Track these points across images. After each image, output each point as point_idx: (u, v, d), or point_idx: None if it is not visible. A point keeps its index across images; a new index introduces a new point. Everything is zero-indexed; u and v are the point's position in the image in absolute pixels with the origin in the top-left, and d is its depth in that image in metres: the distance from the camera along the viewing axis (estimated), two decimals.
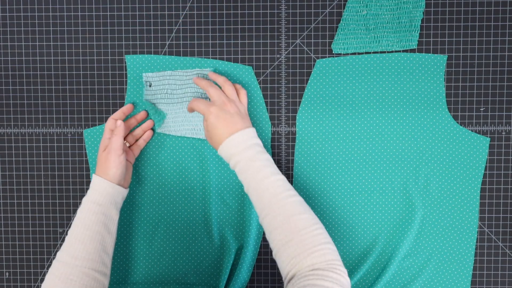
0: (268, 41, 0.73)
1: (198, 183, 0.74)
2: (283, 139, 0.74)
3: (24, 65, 0.74)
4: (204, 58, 0.73)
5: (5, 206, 0.76)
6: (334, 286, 0.52)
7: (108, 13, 0.73)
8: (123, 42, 0.73)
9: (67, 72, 0.74)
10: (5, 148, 0.75)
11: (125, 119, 0.71)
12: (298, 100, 0.73)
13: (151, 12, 0.73)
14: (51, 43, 0.74)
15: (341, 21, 0.72)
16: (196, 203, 0.74)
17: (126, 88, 0.74)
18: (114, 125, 0.68)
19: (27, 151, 0.75)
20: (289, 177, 0.74)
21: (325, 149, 0.73)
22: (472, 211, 0.73)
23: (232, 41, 0.73)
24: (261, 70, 0.73)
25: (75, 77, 0.74)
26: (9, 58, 0.74)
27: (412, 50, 0.72)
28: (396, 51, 0.72)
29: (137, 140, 0.72)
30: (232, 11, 0.73)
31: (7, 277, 0.76)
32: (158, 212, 0.74)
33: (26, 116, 0.75)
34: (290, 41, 0.73)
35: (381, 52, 0.72)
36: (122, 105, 0.74)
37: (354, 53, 0.72)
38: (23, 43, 0.74)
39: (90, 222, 0.62)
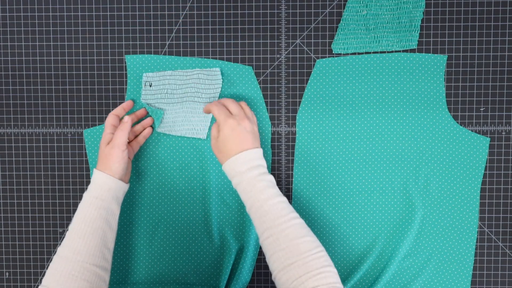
0: (268, 41, 0.73)
1: (198, 183, 0.74)
2: (283, 139, 0.74)
3: (24, 65, 0.74)
4: (204, 58, 0.73)
5: (5, 206, 0.76)
6: None
7: (108, 13, 0.73)
8: (123, 42, 0.73)
9: (67, 72, 0.74)
10: (5, 148, 0.75)
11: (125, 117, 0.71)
12: (298, 100, 0.73)
13: (151, 12, 0.73)
14: (51, 43, 0.74)
15: (341, 21, 0.72)
16: (196, 203, 0.74)
17: (126, 88, 0.74)
18: (115, 120, 0.68)
19: (27, 151, 0.75)
20: (289, 177, 0.74)
21: (325, 149, 0.73)
22: (472, 211, 0.73)
23: (232, 41, 0.73)
24: (261, 70, 0.73)
25: (75, 77, 0.74)
26: (9, 58, 0.74)
27: (412, 50, 0.72)
28: (396, 51, 0.72)
29: (136, 136, 0.72)
30: (232, 11, 0.73)
31: (7, 277, 0.76)
32: (158, 212, 0.74)
33: (26, 116, 0.75)
34: (290, 41, 0.73)
35: (381, 52, 0.72)
36: None
37: (354, 53, 0.72)
38: (23, 43, 0.74)
39: (92, 218, 0.62)
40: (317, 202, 0.74)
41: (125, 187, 0.67)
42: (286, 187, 0.74)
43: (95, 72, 0.74)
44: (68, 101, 0.74)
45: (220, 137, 0.64)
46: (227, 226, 0.74)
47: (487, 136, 0.73)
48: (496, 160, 0.73)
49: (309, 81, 0.73)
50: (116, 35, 0.73)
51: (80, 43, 0.74)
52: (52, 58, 0.74)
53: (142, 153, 0.74)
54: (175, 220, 0.74)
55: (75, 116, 0.74)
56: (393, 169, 0.73)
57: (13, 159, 0.75)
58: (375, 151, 0.73)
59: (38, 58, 0.74)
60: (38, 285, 0.76)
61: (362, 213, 0.73)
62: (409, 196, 0.73)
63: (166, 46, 0.73)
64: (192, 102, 0.72)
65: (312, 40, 0.73)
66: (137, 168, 0.74)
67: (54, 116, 0.75)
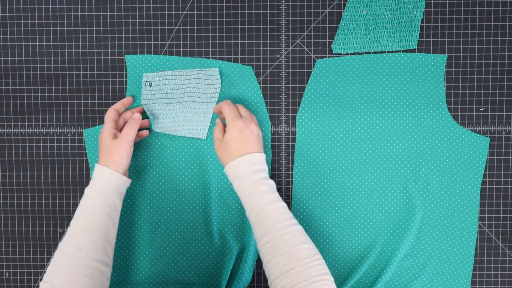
0: (268, 41, 0.73)
1: (198, 183, 0.74)
2: (283, 139, 0.74)
3: (24, 65, 0.74)
4: (204, 58, 0.73)
5: (5, 206, 0.76)
6: None
7: (108, 13, 0.73)
8: (123, 42, 0.73)
9: (67, 72, 0.74)
10: (5, 148, 0.75)
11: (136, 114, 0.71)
12: (298, 100, 0.73)
13: (151, 12, 0.73)
14: (51, 43, 0.74)
15: (341, 21, 0.72)
16: (196, 203, 0.74)
17: (126, 88, 0.74)
18: (116, 115, 0.68)
19: (27, 151, 0.75)
20: (289, 177, 0.74)
21: (325, 149, 0.73)
22: (472, 211, 0.73)
23: (232, 41, 0.73)
24: (261, 70, 0.73)
25: (75, 77, 0.74)
26: (9, 58, 0.74)
27: (412, 50, 0.72)
28: (396, 51, 0.72)
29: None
30: (232, 11, 0.73)
31: (7, 277, 0.76)
32: (158, 212, 0.74)
33: (26, 116, 0.75)
34: (290, 41, 0.73)
35: (381, 52, 0.72)
36: None
37: (354, 53, 0.72)
38: (23, 43, 0.74)
39: (96, 213, 0.62)
40: (317, 202, 0.74)
41: (128, 182, 0.67)
42: (286, 187, 0.74)
43: (95, 72, 0.74)
44: (68, 101, 0.74)
45: (226, 137, 0.65)
46: (227, 226, 0.74)
47: (487, 136, 0.73)
48: (496, 160, 0.73)
49: (309, 81, 0.73)
50: (116, 35, 0.73)
51: (80, 43, 0.74)
52: (52, 58, 0.74)
53: (142, 153, 0.74)
54: (175, 220, 0.74)
55: (75, 116, 0.74)
56: (393, 169, 0.73)
57: (13, 159, 0.75)
58: (375, 151, 0.73)
59: (38, 58, 0.74)
60: (38, 285, 0.76)
61: (362, 213, 0.73)
62: (409, 196, 0.73)
63: (166, 46, 0.73)
64: (192, 102, 0.72)
65: (312, 40, 0.73)
66: (137, 168, 0.74)
67: (54, 116, 0.75)
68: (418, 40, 0.72)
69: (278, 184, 0.74)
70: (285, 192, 0.74)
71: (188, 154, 0.73)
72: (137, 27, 0.73)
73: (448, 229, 0.73)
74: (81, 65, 0.74)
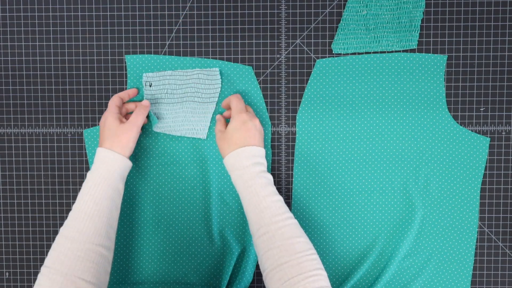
0: (268, 41, 0.73)
1: (198, 183, 0.74)
2: (283, 139, 0.74)
3: (24, 65, 0.74)
4: (204, 58, 0.73)
5: (5, 206, 0.76)
6: None
7: (108, 13, 0.73)
8: (123, 42, 0.73)
9: (67, 72, 0.74)
10: (5, 148, 0.75)
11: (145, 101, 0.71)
12: (298, 100, 0.73)
13: (151, 12, 0.73)
14: (51, 43, 0.74)
15: (341, 21, 0.72)
16: (196, 203, 0.74)
17: (126, 88, 0.74)
18: (120, 102, 0.69)
19: (27, 151, 0.75)
20: (289, 177, 0.74)
21: (325, 149, 0.73)
22: (472, 211, 0.73)
23: (232, 41, 0.73)
24: (261, 70, 0.73)
25: (75, 77, 0.74)
26: (9, 58, 0.74)
27: (412, 50, 0.72)
28: (396, 51, 0.72)
29: None
30: (232, 11, 0.73)
31: (7, 277, 0.76)
32: (159, 212, 0.74)
33: (26, 116, 0.75)
34: (290, 41, 0.73)
35: (381, 52, 0.72)
36: None
37: (354, 53, 0.72)
38: (23, 43, 0.74)
39: (100, 197, 0.62)
40: (317, 202, 0.74)
41: (130, 166, 0.67)
42: (286, 187, 0.74)
43: (95, 72, 0.74)
44: (68, 101, 0.74)
45: (229, 128, 0.65)
46: (227, 226, 0.74)
47: (487, 136, 0.73)
48: (496, 160, 0.73)
49: (309, 81, 0.73)
50: (116, 35, 0.73)
51: (80, 43, 0.74)
52: (52, 58, 0.74)
53: (142, 153, 0.74)
54: (175, 220, 0.74)
55: (75, 116, 0.74)
56: (393, 169, 0.73)
57: (13, 159, 0.75)
58: (375, 151, 0.73)
59: (38, 58, 0.74)
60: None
61: (362, 213, 0.73)
62: (409, 196, 0.73)
63: (166, 46, 0.73)
64: (192, 102, 0.72)
65: (312, 40, 0.73)
66: (137, 168, 0.74)
67: (54, 116, 0.75)
68: (418, 40, 0.72)
69: (278, 184, 0.74)
70: (285, 192, 0.74)
71: (188, 154, 0.73)
72: (137, 27, 0.73)
73: (448, 229, 0.73)
74: (81, 65, 0.74)
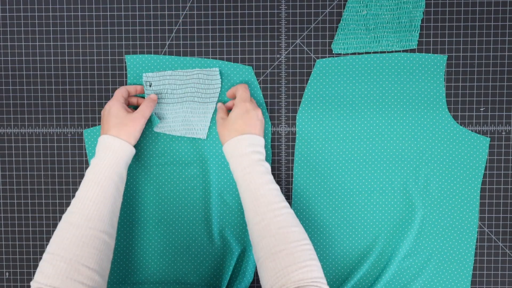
0: (268, 41, 0.73)
1: (198, 183, 0.74)
2: (283, 139, 0.74)
3: (24, 65, 0.74)
4: (204, 58, 0.73)
5: (5, 206, 0.76)
6: None
7: (108, 13, 0.73)
8: (123, 42, 0.73)
9: (67, 72, 0.74)
10: (5, 148, 0.75)
11: (153, 95, 0.71)
12: (298, 100, 0.73)
13: (151, 12, 0.73)
14: (51, 43, 0.74)
15: (341, 21, 0.72)
16: (196, 203, 0.74)
17: None
18: (126, 94, 0.69)
19: (27, 151, 0.75)
20: (289, 177, 0.74)
21: (325, 149, 0.73)
22: (472, 211, 0.73)
23: (232, 41, 0.73)
24: (261, 70, 0.73)
25: (75, 77, 0.74)
26: (9, 58, 0.74)
27: (412, 50, 0.72)
28: (396, 51, 0.72)
29: None
30: (232, 11, 0.73)
31: (7, 277, 0.76)
32: (158, 212, 0.74)
33: (26, 116, 0.75)
34: (290, 41, 0.73)
35: (381, 52, 0.72)
36: None
37: (354, 53, 0.72)
38: (23, 43, 0.74)
39: (106, 184, 0.62)
40: (317, 202, 0.74)
41: (134, 152, 0.68)
42: (286, 187, 0.74)
43: (95, 72, 0.74)
44: (68, 101, 0.74)
45: (232, 115, 0.66)
46: (227, 226, 0.74)
47: (487, 136, 0.73)
48: (496, 160, 0.73)
49: (309, 81, 0.73)
50: (116, 35, 0.73)
51: (80, 43, 0.74)
52: (52, 58, 0.74)
53: (142, 153, 0.74)
54: (175, 220, 0.74)
55: (75, 116, 0.74)
56: (393, 169, 0.73)
57: (13, 159, 0.75)
58: (375, 151, 0.73)
59: (38, 58, 0.74)
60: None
61: (362, 213, 0.73)
62: (409, 196, 0.73)
63: (166, 46, 0.73)
64: (191, 102, 0.72)
65: (312, 40, 0.73)
66: (137, 168, 0.74)
67: (54, 116, 0.75)
68: (418, 40, 0.72)
69: (278, 184, 0.74)
70: (285, 192, 0.74)
71: (188, 154, 0.73)
72: (137, 27, 0.73)
73: (448, 229, 0.73)
74: (81, 65, 0.74)
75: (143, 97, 0.73)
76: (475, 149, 0.72)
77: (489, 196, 0.73)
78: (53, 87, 0.74)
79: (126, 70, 0.73)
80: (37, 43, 0.74)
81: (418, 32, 0.71)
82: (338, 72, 0.72)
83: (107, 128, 0.65)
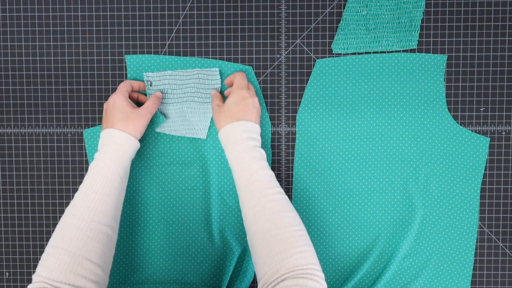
0: (268, 41, 0.73)
1: (198, 183, 0.74)
2: (283, 139, 0.74)
3: (24, 65, 0.74)
4: (204, 58, 0.73)
5: (5, 206, 0.76)
6: None
7: (108, 13, 0.73)
8: (123, 42, 0.73)
9: (67, 72, 0.74)
10: (5, 148, 0.75)
11: (158, 93, 0.72)
12: (298, 100, 0.73)
13: (151, 12, 0.73)
14: (51, 43, 0.74)
15: (341, 21, 0.72)
16: (197, 203, 0.74)
17: None
18: (130, 88, 0.69)
19: (27, 151, 0.75)
20: (289, 177, 0.74)
21: (325, 149, 0.73)
22: (472, 211, 0.73)
23: (232, 41, 0.73)
24: (261, 70, 0.73)
25: (75, 77, 0.74)
26: (9, 58, 0.74)
27: (412, 50, 0.72)
28: (396, 51, 0.72)
29: None
30: (232, 11, 0.73)
31: (7, 277, 0.76)
32: (158, 212, 0.74)
33: (26, 116, 0.75)
34: (290, 41, 0.73)
35: (381, 52, 0.72)
36: None
37: (354, 53, 0.72)
38: (23, 43, 0.74)
39: (112, 177, 0.62)
40: (317, 202, 0.74)
41: (139, 146, 0.68)
42: (286, 187, 0.74)
43: (95, 72, 0.74)
44: (68, 101, 0.74)
45: (228, 102, 0.66)
46: (227, 226, 0.74)
47: (487, 136, 0.73)
48: (496, 160, 0.73)
49: (309, 81, 0.73)
50: (116, 35, 0.73)
51: (80, 43, 0.74)
52: (52, 58, 0.74)
53: (142, 153, 0.74)
54: (175, 220, 0.74)
55: (75, 116, 0.74)
56: (393, 169, 0.73)
57: (13, 159, 0.75)
58: (375, 151, 0.73)
59: (38, 58, 0.74)
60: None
61: (362, 213, 0.73)
62: (409, 196, 0.73)
63: (166, 46, 0.73)
64: (191, 102, 0.72)
65: (312, 40, 0.73)
66: (137, 168, 0.74)
67: (54, 116, 0.75)
68: (418, 40, 0.72)
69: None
70: (285, 192, 0.74)
71: (188, 154, 0.73)
72: (137, 27, 0.73)
73: (448, 229, 0.73)
74: (81, 65, 0.74)
75: (144, 94, 0.73)
76: (475, 149, 0.72)
77: (489, 196, 0.73)
78: (53, 87, 0.74)
79: (126, 70, 0.73)
80: (37, 43, 0.74)
81: (418, 32, 0.71)
82: (338, 72, 0.72)
83: (111, 122, 0.65)
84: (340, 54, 0.73)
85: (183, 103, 0.72)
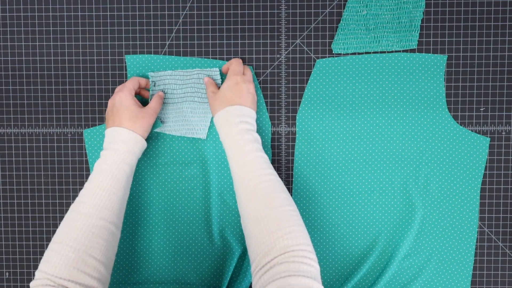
0: (268, 41, 0.73)
1: (198, 183, 0.74)
2: (283, 139, 0.74)
3: (24, 65, 0.74)
4: (204, 58, 0.73)
5: (5, 206, 0.76)
6: (306, 280, 0.51)
7: (108, 13, 0.73)
8: (123, 42, 0.73)
9: (67, 72, 0.74)
10: (5, 148, 0.75)
11: (161, 92, 0.72)
12: (298, 100, 0.73)
13: (151, 12, 0.73)
14: (51, 43, 0.74)
15: (341, 21, 0.72)
16: (197, 203, 0.74)
17: None
18: (137, 86, 0.69)
19: (27, 151, 0.75)
20: (289, 177, 0.74)
21: (325, 149, 0.73)
22: (472, 211, 0.73)
23: (232, 41, 0.73)
24: (261, 70, 0.73)
25: (75, 77, 0.74)
26: (9, 58, 0.74)
27: (412, 50, 0.72)
28: (396, 51, 0.72)
29: None
30: (232, 11, 0.73)
31: (7, 277, 0.76)
32: (158, 212, 0.74)
33: (26, 116, 0.75)
34: (290, 41, 0.73)
35: (381, 52, 0.72)
36: None
37: (354, 53, 0.72)
38: (23, 43, 0.74)
39: (119, 175, 0.62)
40: (317, 202, 0.74)
41: (146, 146, 0.68)
42: (286, 187, 0.74)
43: (95, 72, 0.74)
44: (68, 101, 0.74)
45: (223, 87, 0.67)
46: (227, 226, 0.74)
47: (487, 136, 0.73)
48: (496, 160, 0.73)
49: (309, 81, 0.73)
50: (116, 35, 0.73)
51: (80, 43, 0.74)
52: (52, 58, 0.74)
53: (143, 153, 0.74)
54: (175, 220, 0.74)
55: (75, 116, 0.74)
56: (393, 169, 0.73)
57: (13, 159, 0.75)
58: (375, 151, 0.73)
59: (38, 58, 0.74)
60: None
61: (362, 213, 0.73)
62: (409, 196, 0.73)
63: (166, 46, 0.73)
64: (192, 102, 0.72)
65: (312, 40, 0.73)
66: (137, 168, 0.74)
67: (54, 116, 0.75)
68: (418, 40, 0.72)
69: None
70: None
71: (188, 154, 0.73)
72: (137, 27, 0.73)
73: (448, 229, 0.73)
74: (81, 65, 0.74)
75: (146, 90, 0.73)
76: (475, 149, 0.72)
77: (489, 196, 0.73)
78: (53, 87, 0.74)
79: (126, 70, 0.73)
80: (37, 43, 0.74)
81: (418, 32, 0.71)
82: (338, 72, 0.72)
83: (118, 120, 0.65)
84: (340, 54, 0.73)
85: (183, 103, 0.72)
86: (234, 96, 0.65)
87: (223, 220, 0.74)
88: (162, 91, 0.72)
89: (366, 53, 0.72)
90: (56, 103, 0.74)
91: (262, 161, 0.62)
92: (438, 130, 0.72)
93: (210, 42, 0.73)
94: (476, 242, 0.73)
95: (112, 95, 0.74)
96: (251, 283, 0.74)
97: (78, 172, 0.75)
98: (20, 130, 0.75)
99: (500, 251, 0.74)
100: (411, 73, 0.72)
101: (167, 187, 0.74)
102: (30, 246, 0.76)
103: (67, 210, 0.75)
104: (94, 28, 0.73)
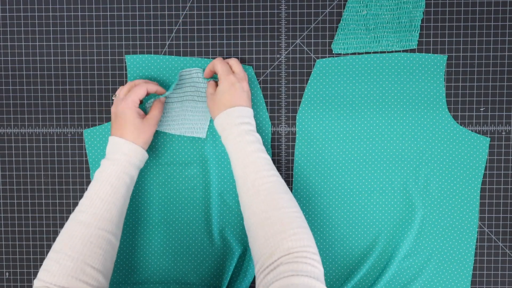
0: (268, 41, 0.73)
1: (198, 183, 0.74)
2: (283, 139, 0.74)
3: (24, 65, 0.74)
4: (204, 58, 0.73)
5: (5, 206, 0.76)
6: (309, 280, 0.51)
7: (108, 13, 0.73)
8: (123, 42, 0.73)
9: (67, 72, 0.74)
10: (5, 148, 0.75)
11: (162, 98, 0.70)
12: (298, 100, 0.73)
13: (151, 12, 0.73)
14: (51, 43, 0.74)
15: (341, 21, 0.72)
16: (197, 203, 0.74)
17: None
18: (144, 95, 0.66)
19: (27, 151, 0.75)
20: (289, 177, 0.74)
21: (325, 149, 0.73)
22: (472, 211, 0.73)
23: (232, 41, 0.73)
24: (261, 70, 0.73)
25: (75, 77, 0.74)
26: (9, 58, 0.74)
27: (412, 50, 0.72)
28: (396, 51, 0.72)
29: None
30: (232, 11, 0.73)
31: (7, 277, 0.76)
32: (158, 212, 0.74)
33: (26, 116, 0.75)
34: (290, 41, 0.73)
35: (381, 52, 0.72)
36: None
37: (354, 53, 0.72)
38: (23, 43, 0.74)
39: (119, 185, 0.62)
40: (317, 202, 0.74)
41: (147, 157, 0.68)
42: None
43: (95, 72, 0.74)
44: (68, 101, 0.74)
45: (218, 90, 0.66)
46: (227, 226, 0.74)
47: (487, 136, 0.73)
48: (496, 160, 0.73)
49: (309, 81, 0.73)
50: (116, 35, 0.73)
51: (80, 43, 0.74)
52: (52, 58, 0.74)
53: None
54: (175, 220, 0.74)
55: (75, 116, 0.74)
56: (393, 169, 0.73)
57: (13, 159, 0.75)
58: (375, 151, 0.73)
59: (38, 58, 0.74)
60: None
61: (362, 213, 0.73)
62: (409, 196, 0.73)
63: (166, 46, 0.73)
64: (191, 101, 0.72)
65: (312, 40, 0.73)
66: None
67: (54, 116, 0.75)
68: (418, 40, 0.72)
69: None
70: None
71: (188, 154, 0.73)
72: (137, 27, 0.73)
73: (448, 229, 0.73)
74: (81, 65, 0.74)
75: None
76: (475, 149, 0.72)
77: (489, 196, 0.73)
78: (53, 87, 0.74)
79: (126, 70, 0.73)
80: (37, 43, 0.74)
81: (418, 32, 0.71)
82: (338, 72, 0.72)
83: (120, 132, 0.65)
84: (340, 54, 0.73)
85: (183, 102, 0.72)
86: (231, 98, 0.66)
87: (223, 220, 0.74)
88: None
89: (366, 53, 0.72)
90: (56, 103, 0.74)
91: (265, 162, 0.62)
92: (438, 130, 0.72)
93: (210, 42, 0.73)
94: (476, 242, 0.73)
95: (112, 95, 0.74)
96: (251, 283, 0.74)
97: (78, 172, 0.75)
98: (20, 130, 0.75)
99: (500, 251, 0.74)
100: (411, 73, 0.72)
101: (167, 187, 0.74)
102: (30, 246, 0.76)
103: (67, 210, 0.75)
104: (94, 28, 0.73)
